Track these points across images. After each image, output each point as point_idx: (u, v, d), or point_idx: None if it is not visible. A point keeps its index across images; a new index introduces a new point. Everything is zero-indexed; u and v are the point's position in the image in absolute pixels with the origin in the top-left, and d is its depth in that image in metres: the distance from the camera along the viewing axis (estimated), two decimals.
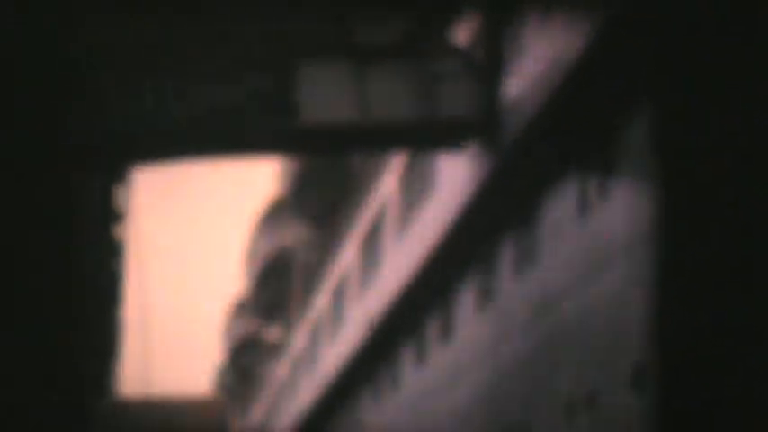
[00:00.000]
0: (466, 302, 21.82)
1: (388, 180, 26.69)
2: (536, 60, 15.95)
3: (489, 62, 17.36)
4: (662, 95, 13.76)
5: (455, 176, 20.03)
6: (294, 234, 47.99)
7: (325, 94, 16.91)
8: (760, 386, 12.65)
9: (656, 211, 13.70)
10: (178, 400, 41.77)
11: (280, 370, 47.41)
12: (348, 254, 32.14)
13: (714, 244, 13.09)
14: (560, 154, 16.86)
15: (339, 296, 33.60)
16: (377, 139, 17.81)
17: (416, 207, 23.38)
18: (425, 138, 17.75)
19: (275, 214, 49.83)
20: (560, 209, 17.01)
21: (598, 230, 15.60)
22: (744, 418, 12.64)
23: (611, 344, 14.89)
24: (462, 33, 18.67)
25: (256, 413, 55.00)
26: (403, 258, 24.39)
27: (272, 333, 56.12)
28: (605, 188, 15.52)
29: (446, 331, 23.15)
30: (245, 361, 63.50)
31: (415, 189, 23.73)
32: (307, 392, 38.37)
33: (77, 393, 19.81)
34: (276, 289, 51.40)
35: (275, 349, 52.67)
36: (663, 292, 13.42)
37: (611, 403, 14.70)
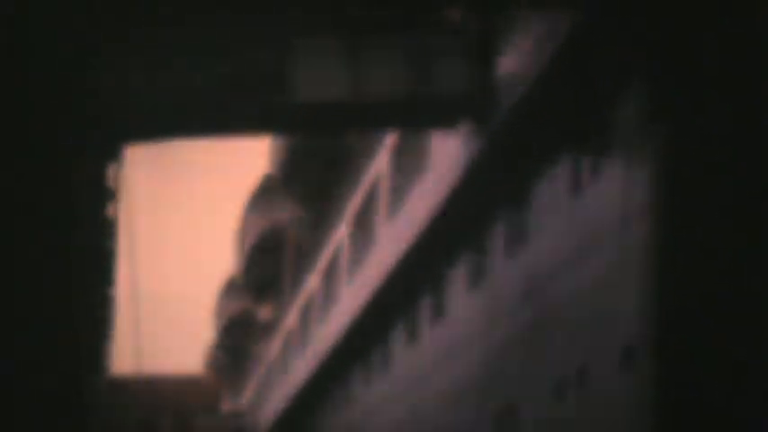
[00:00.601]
0: (457, 282, 21.84)
1: (381, 158, 26.67)
2: (529, 38, 15.93)
3: (482, 40, 17.33)
4: (655, 74, 13.75)
5: (447, 155, 20.02)
6: (286, 212, 47.97)
7: (319, 72, 16.87)
8: (751, 365, 12.69)
9: (648, 191, 13.72)
10: (170, 378, 41.88)
11: (271, 348, 47.47)
12: (340, 232, 32.15)
13: (707, 224, 13.11)
14: (553, 133, 16.86)
15: (331, 275, 33.62)
16: (370, 117, 17.78)
17: (409, 186, 23.37)
18: (418, 116, 17.73)
19: (267, 192, 49.78)
20: (552, 188, 17.02)
21: (590, 210, 15.62)
22: (734, 397, 12.69)
23: (602, 324, 14.94)
24: (455, 10, 18.63)
25: (248, 391, 55.08)
26: (395, 237, 24.40)
27: (264, 311, 56.15)
28: (598, 168, 15.53)
29: (437, 311, 23.19)
30: (237, 339, 63.53)
31: (408, 168, 23.72)
32: (298, 371, 38.42)
33: (70, 371, 19.81)
34: (268, 267, 51.38)
35: (267, 328, 52.71)
36: (655, 271, 13.45)
37: (601, 383, 14.75)
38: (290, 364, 41.24)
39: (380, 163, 26.70)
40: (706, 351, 12.82)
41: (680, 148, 13.35)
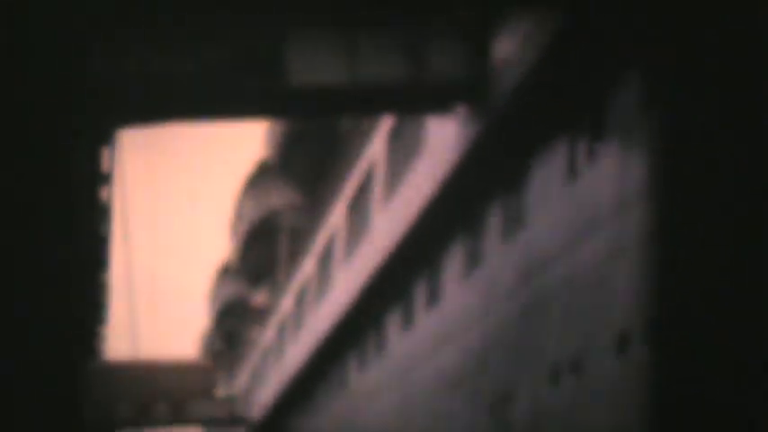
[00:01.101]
0: (452, 267, 21.80)
1: (376, 143, 26.61)
2: (526, 23, 15.86)
3: (479, 24, 17.25)
4: (652, 58, 13.70)
5: (443, 140, 19.97)
6: (281, 197, 47.91)
7: (314, 57, 16.79)
8: (747, 351, 12.67)
9: (645, 176, 13.67)
10: (165, 364, 41.85)
11: (266, 334, 47.47)
12: (335, 218, 32.10)
13: (704, 208, 13.06)
14: (549, 118, 16.81)
15: (326, 260, 33.57)
16: (366, 101, 17.71)
17: (404, 170, 23.32)
18: (414, 100, 17.67)
19: (262, 177, 49.73)
20: (548, 173, 16.97)
21: (586, 195, 15.57)
22: (730, 382, 12.67)
23: (597, 309, 14.90)
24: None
25: (242, 377, 55.11)
26: (390, 222, 24.36)
27: (259, 297, 56.14)
28: (594, 152, 15.48)
29: (433, 296, 23.15)
30: (231, 325, 63.57)
31: (403, 152, 23.66)
32: (293, 357, 38.41)
33: (65, 357, 19.79)
34: (263, 253, 51.38)
35: (261, 313, 52.71)
36: (651, 256, 13.41)
37: (596, 368, 14.72)
38: (284, 350, 41.23)
39: (376, 148, 26.64)
40: (701, 337, 12.79)
41: (676, 133, 13.30)
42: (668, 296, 13.07)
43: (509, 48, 16.50)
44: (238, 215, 53.82)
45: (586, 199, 15.51)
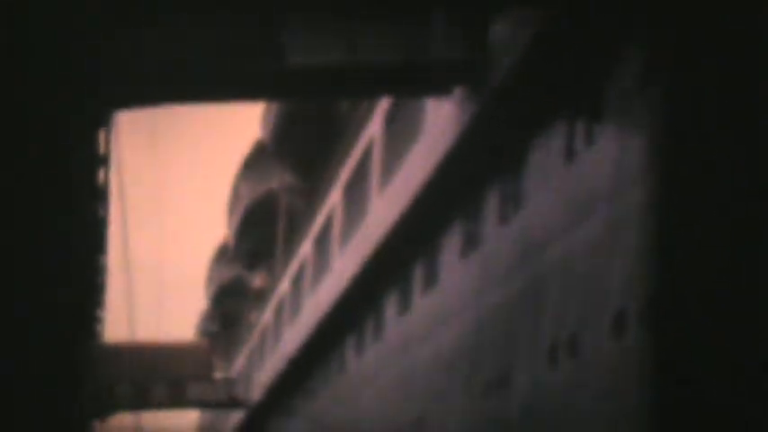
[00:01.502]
0: (450, 249, 21.81)
1: (374, 125, 26.57)
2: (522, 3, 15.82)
3: (476, 4, 17.19)
4: (651, 39, 13.67)
5: (441, 121, 19.94)
6: (278, 179, 47.85)
7: (312, 38, 16.75)
8: (744, 332, 12.68)
9: (642, 158, 13.66)
10: (163, 346, 41.89)
11: (263, 316, 47.50)
12: (333, 199, 32.08)
13: (702, 188, 13.06)
14: (547, 99, 16.78)
15: (323, 242, 33.57)
16: (363, 83, 17.67)
17: (402, 152, 23.30)
18: (412, 82, 17.63)
19: (259, 159, 49.63)
20: (546, 155, 16.96)
21: (584, 176, 15.57)
22: (729, 361, 12.68)
23: (595, 290, 14.92)
24: None
25: (240, 359, 55.17)
26: (388, 204, 24.34)
27: (256, 279, 56.14)
28: (591, 134, 15.47)
29: (430, 278, 23.16)
30: (229, 307, 63.58)
31: (401, 134, 23.63)
32: (290, 339, 38.44)
33: (63, 339, 19.79)
34: (260, 234, 51.34)
35: (259, 295, 52.73)
36: (648, 237, 13.42)
37: (593, 349, 14.74)
38: (282, 332, 41.27)
39: (373, 129, 26.61)
40: (698, 318, 12.80)
41: (675, 114, 13.28)
42: (666, 277, 13.08)
43: (506, 29, 16.47)
44: (235, 197, 53.77)
45: (584, 180, 15.51)
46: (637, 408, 13.30)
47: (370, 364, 28.27)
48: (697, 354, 12.76)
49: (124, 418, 42.19)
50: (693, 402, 12.65)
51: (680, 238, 13.09)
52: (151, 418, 47.35)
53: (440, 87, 18.08)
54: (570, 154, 16.16)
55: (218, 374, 47.37)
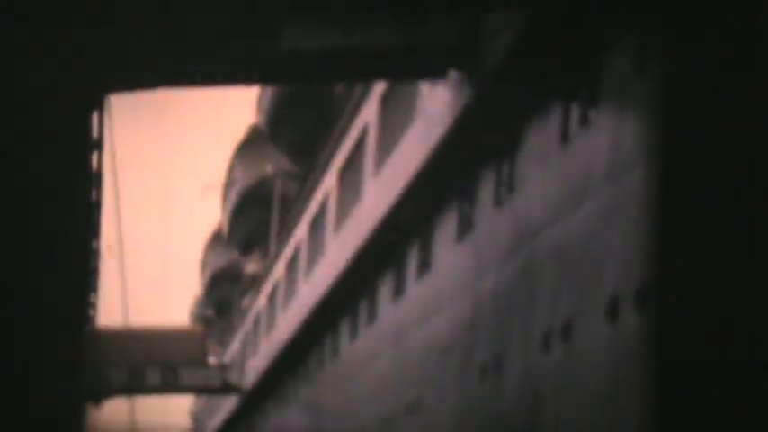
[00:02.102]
0: (445, 234, 21.77)
1: (369, 109, 26.49)
2: None
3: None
4: (647, 21, 13.61)
5: (436, 105, 19.88)
6: (273, 163, 47.77)
7: (307, 22, 16.67)
8: (742, 317, 12.65)
9: (638, 142, 13.61)
10: (157, 330, 41.85)
11: (258, 302, 47.47)
12: (327, 184, 32.01)
13: (700, 172, 13.00)
14: (543, 82, 16.72)
15: (318, 227, 33.52)
16: (358, 66, 17.60)
17: (397, 137, 23.23)
18: (407, 65, 17.56)
19: (253, 143, 49.54)
20: (541, 138, 16.91)
21: (579, 160, 15.52)
22: (724, 349, 12.65)
23: (589, 275, 14.88)
24: None
25: (234, 344, 55.14)
26: (383, 189, 24.29)
27: (250, 264, 56.09)
28: (587, 118, 15.41)
29: (425, 262, 23.13)
30: (223, 292, 63.55)
31: (396, 118, 23.57)
32: (285, 324, 38.43)
33: (56, 324, 19.74)
34: (254, 219, 51.27)
35: (253, 281, 52.68)
36: (644, 221, 13.38)
37: (588, 334, 14.72)
38: (276, 318, 41.25)
39: (368, 114, 26.53)
40: (694, 303, 12.76)
41: (672, 95, 13.21)
42: (661, 261, 13.04)
43: (501, 12, 16.39)
44: (229, 182, 53.67)
45: (580, 164, 15.46)
46: (631, 393, 13.28)
47: (364, 349, 28.26)
48: (693, 339, 12.73)
49: (118, 403, 42.19)
50: (689, 390, 12.63)
51: (676, 223, 13.04)
52: (145, 403, 47.35)
53: (435, 71, 18.02)
54: (566, 137, 16.11)
55: (212, 360, 47.38)
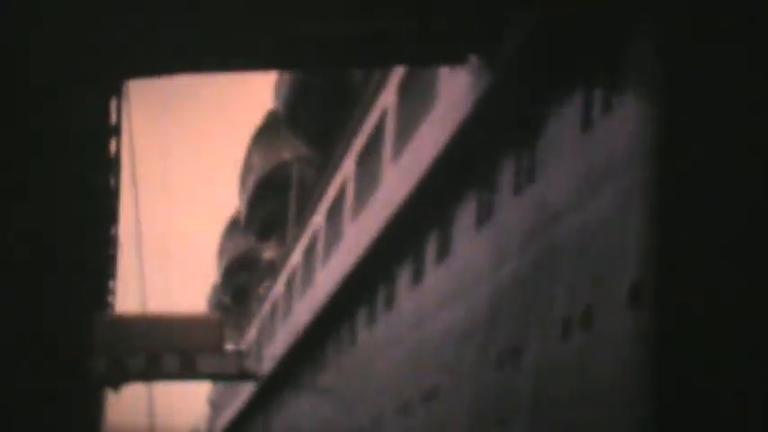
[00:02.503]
0: (464, 221, 21.68)
1: (388, 95, 26.40)
2: None
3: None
4: (668, 7, 13.49)
5: (455, 91, 19.77)
6: (290, 149, 47.70)
7: (326, 5, 16.58)
8: (757, 301, 12.55)
9: (659, 127, 13.50)
10: (174, 317, 41.91)
11: (275, 288, 47.48)
12: (345, 170, 31.94)
13: (718, 159, 12.90)
14: (564, 68, 16.60)
15: (336, 214, 33.46)
16: (377, 52, 17.51)
17: (416, 123, 23.13)
18: (426, 50, 17.46)
19: (271, 130, 49.47)
20: (562, 124, 16.80)
21: (600, 146, 15.41)
22: (739, 336, 12.57)
23: (609, 261, 14.79)
24: None
25: (251, 331, 55.21)
26: (401, 175, 24.21)
27: (268, 251, 56.10)
28: (609, 104, 15.30)
29: (444, 249, 23.05)
30: (240, 279, 63.60)
31: (415, 104, 23.47)
32: (302, 311, 38.41)
33: (75, 310, 19.78)
34: (272, 206, 51.23)
35: (270, 267, 52.70)
36: (662, 208, 13.28)
37: (607, 321, 14.63)
38: (293, 304, 41.24)
39: (387, 99, 26.43)
40: (712, 287, 12.67)
41: (692, 81, 13.10)
42: (679, 247, 12.95)
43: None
44: (247, 168, 53.63)
45: (600, 150, 15.36)
46: (651, 381, 13.20)
47: (382, 336, 28.21)
48: (710, 324, 12.65)
49: (137, 389, 42.28)
50: (703, 376, 12.56)
51: (695, 208, 12.94)
52: (163, 389, 47.46)
53: (455, 56, 17.89)
54: (587, 123, 16.00)
55: (229, 346, 47.41)
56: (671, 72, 13.37)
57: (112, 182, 23.33)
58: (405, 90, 24.81)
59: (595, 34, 15.54)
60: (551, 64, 16.71)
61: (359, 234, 28.83)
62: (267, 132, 50.20)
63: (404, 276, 26.12)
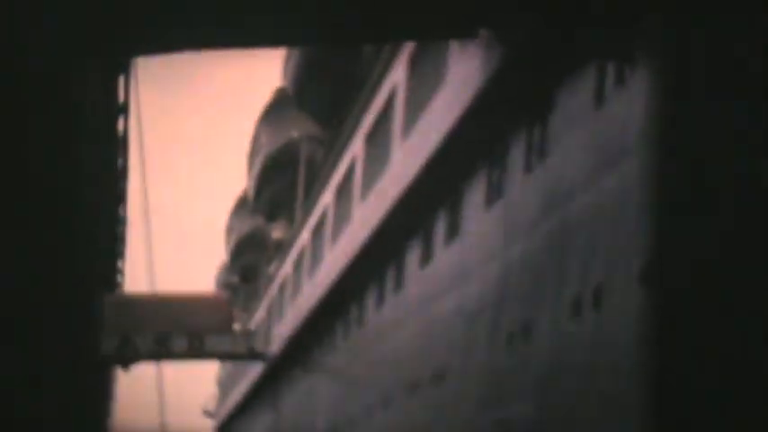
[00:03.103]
0: (474, 199, 21.53)
1: (397, 72, 26.19)
2: None
3: None
4: None
5: (466, 66, 19.58)
6: (299, 128, 47.54)
7: None
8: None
9: (668, 105, 13.33)
10: (183, 298, 41.88)
11: (283, 268, 47.40)
12: (354, 148, 31.77)
13: (728, 137, 12.73)
14: (576, 41, 16.39)
15: (344, 193, 33.31)
16: (387, 27, 17.30)
17: (425, 100, 22.94)
18: (436, 25, 17.23)
19: (280, 107, 49.28)
20: (574, 100, 16.62)
21: (614, 122, 15.24)
22: (749, 317, 12.43)
23: (621, 239, 14.65)
24: None
25: (260, 311, 55.18)
26: (411, 153, 24.04)
27: (276, 230, 56.02)
28: (622, 79, 15.12)
29: (453, 228, 22.91)
30: (249, 259, 63.56)
31: (425, 81, 23.27)
32: (311, 291, 38.33)
33: (84, 290, 19.71)
34: (280, 185, 51.10)
35: (279, 247, 52.62)
36: (672, 187, 13.12)
37: (618, 300, 14.50)
38: (302, 284, 41.16)
39: (397, 76, 26.22)
40: (722, 267, 12.52)
41: (704, 58, 12.91)
42: (690, 227, 12.80)
43: None
44: (255, 146, 53.48)
45: (613, 126, 15.19)
46: (660, 359, 13.07)
47: (391, 316, 28.10)
48: (719, 304, 12.51)
49: (146, 368, 42.29)
50: (712, 356, 12.42)
51: (705, 187, 12.78)
52: (172, 369, 47.48)
53: (465, 30, 17.65)
54: (599, 99, 15.82)
55: (237, 326, 47.41)
56: (683, 45, 13.18)
57: (120, 161, 23.21)
58: (414, 67, 24.61)
59: (609, 5, 15.32)
60: (563, 38, 16.49)
61: (368, 213, 28.68)
62: (275, 110, 50.02)
63: (413, 256, 25.99)
